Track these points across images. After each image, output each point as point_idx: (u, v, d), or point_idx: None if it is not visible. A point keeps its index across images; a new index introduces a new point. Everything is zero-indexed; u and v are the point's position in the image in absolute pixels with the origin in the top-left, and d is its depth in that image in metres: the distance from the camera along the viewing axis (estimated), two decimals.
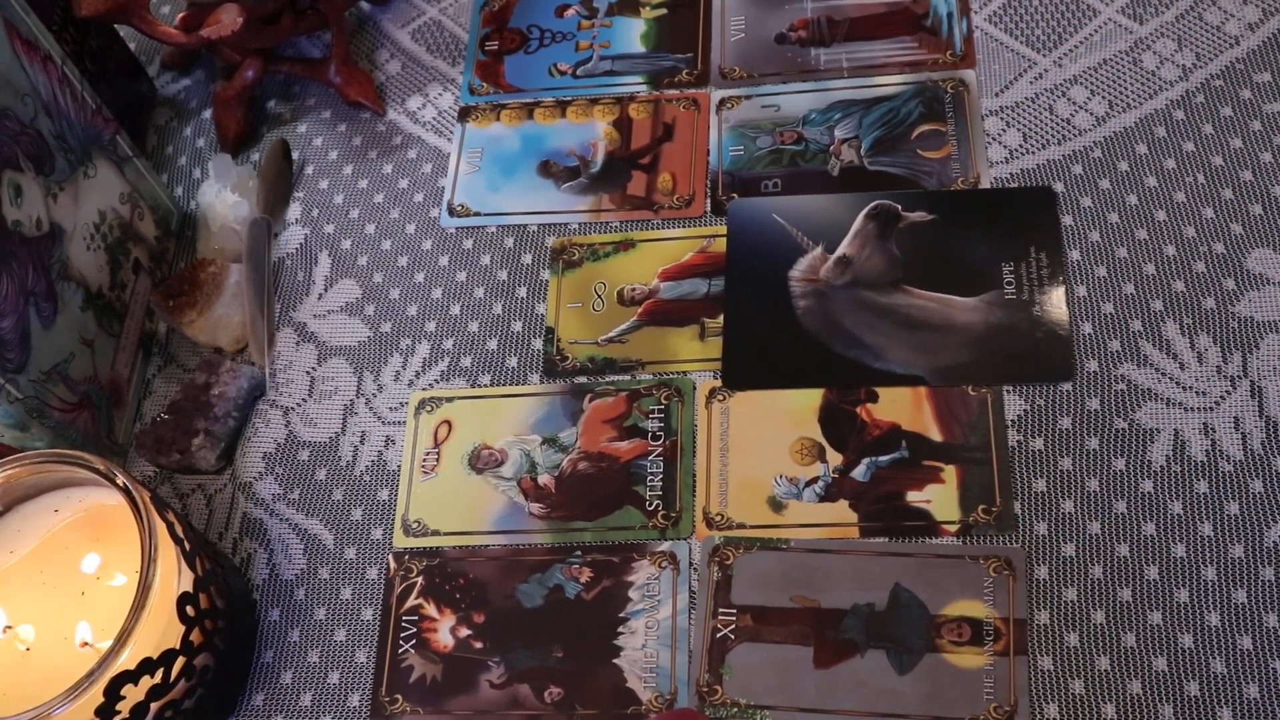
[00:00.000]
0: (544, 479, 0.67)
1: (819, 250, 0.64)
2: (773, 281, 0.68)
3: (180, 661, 0.57)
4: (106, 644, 0.53)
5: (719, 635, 0.61)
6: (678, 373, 0.69)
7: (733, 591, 0.62)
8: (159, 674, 0.55)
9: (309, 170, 0.80)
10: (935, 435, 0.64)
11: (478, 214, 0.76)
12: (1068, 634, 0.59)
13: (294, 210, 0.79)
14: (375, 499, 0.68)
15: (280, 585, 0.66)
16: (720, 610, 0.62)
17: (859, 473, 0.64)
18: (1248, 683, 0.57)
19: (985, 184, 0.71)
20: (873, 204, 0.68)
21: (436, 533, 0.66)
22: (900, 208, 0.69)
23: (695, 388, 0.68)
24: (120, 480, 0.56)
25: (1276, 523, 0.60)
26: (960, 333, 0.64)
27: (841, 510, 0.63)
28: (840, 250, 0.62)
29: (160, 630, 0.55)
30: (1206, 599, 0.59)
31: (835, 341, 0.65)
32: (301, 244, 0.77)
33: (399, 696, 0.62)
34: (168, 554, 0.56)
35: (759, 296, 0.68)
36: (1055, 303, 0.66)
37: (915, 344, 0.64)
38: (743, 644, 0.61)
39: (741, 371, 0.67)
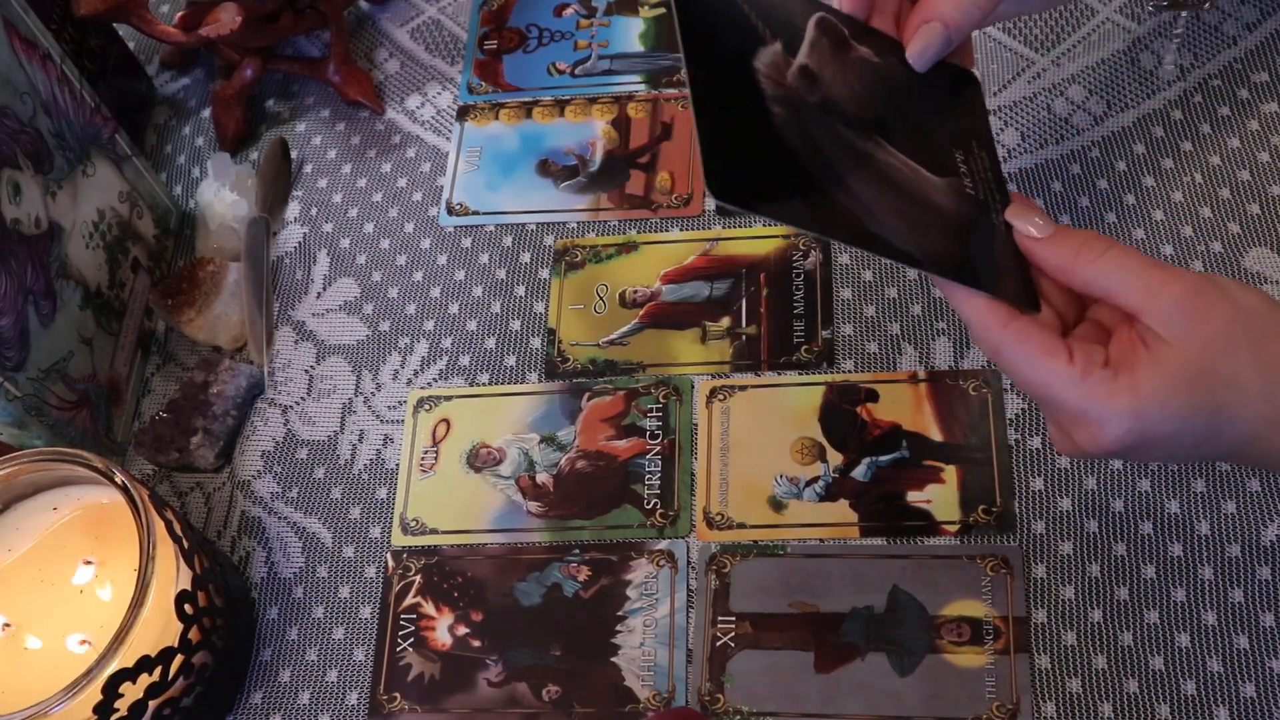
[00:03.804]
0: (542, 477, 0.67)
1: (778, 46, 0.54)
2: (737, 69, 0.54)
3: (178, 659, 0.57)
4: (105, 642, 0.53)
5: (719, 643, 0.61)
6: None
7: (731, 599, 0.62)
8: (157, 672, 0.55)
9: (308, 169, 0.80)
10: (936, 435, 0.64)
11: (476, 213, 0.76)
12: (1065, 632, 0.59)
13: (292, 209, 0.79)
14: (373, 497, 0.68)
15: (278, 583, 0.66)
16: (719, 618, 0.62)
17: (859, 472, 0.64)
18: (1244, 682, 0.57)
19: None
20: (818, 15, 0.55)
21: (435, 531, 0.66)
22: (847, 33, 0.56)
23: (694, 386, 0.68)
24: (119, 478, 0.56)
25: (1273, 522, 0.60)
26: (939, 214, 0.53)
27: (842, 510, 0.63)
28: (801, 58, 0.53)
29: (158, 628, 0.55)
30: (1203, 598, 0.59)
31: (826, 179, 0.52)
32: (300, 243, 0.77)
33: (397, 694, 0.62)
34: (166, 552, 0.56)
35: (727, 82, 0.53)
36: (1012, 220, 0.52)
37: (901, 212, 0.52)
38: (743, 651, 0.61)
39: (732, 177, 0.51)
